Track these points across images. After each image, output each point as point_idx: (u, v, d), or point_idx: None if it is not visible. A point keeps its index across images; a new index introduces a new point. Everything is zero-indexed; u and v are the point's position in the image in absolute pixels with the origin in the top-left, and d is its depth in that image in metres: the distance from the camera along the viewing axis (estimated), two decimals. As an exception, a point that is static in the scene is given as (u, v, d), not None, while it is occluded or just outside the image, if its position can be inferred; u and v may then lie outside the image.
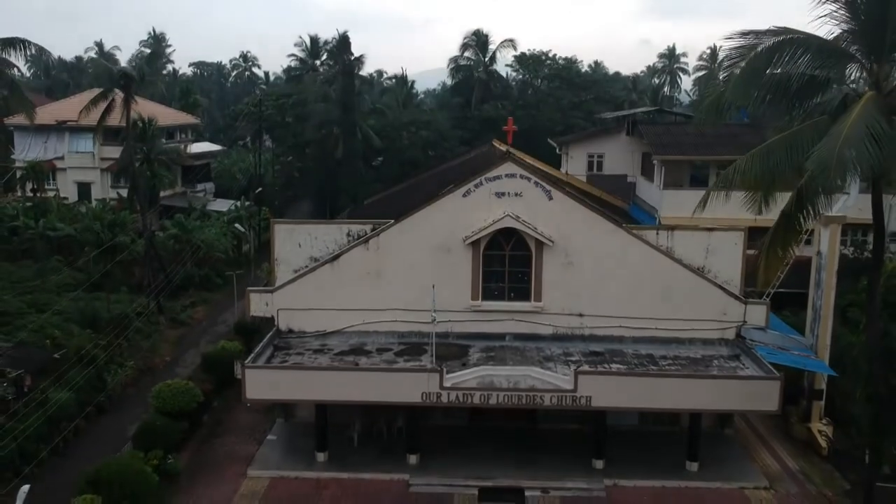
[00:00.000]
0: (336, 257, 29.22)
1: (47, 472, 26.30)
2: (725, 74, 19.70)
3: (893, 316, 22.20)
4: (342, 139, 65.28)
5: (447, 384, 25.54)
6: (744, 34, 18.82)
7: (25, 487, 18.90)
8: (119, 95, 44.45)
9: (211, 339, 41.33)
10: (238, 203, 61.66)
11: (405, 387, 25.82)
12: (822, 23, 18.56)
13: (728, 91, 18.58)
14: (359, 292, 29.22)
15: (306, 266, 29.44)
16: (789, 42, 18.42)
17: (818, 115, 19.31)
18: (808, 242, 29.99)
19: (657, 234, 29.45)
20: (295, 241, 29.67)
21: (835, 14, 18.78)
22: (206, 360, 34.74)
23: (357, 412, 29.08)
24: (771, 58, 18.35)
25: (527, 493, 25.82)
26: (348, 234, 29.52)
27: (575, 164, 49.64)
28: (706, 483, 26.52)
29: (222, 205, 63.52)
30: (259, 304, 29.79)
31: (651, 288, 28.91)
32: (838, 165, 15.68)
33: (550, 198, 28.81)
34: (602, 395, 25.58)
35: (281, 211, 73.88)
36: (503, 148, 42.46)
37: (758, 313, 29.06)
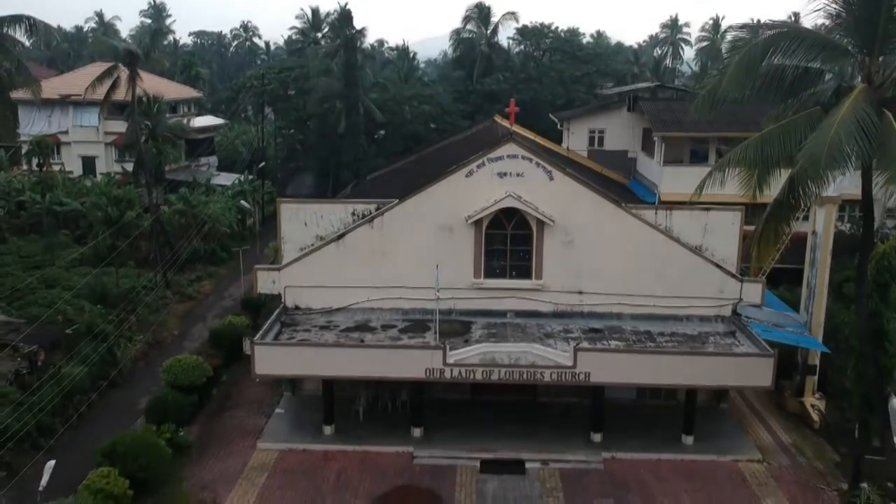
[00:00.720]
0: (341, 236, 29.81)
1: (62, 445, 27.13)
2: (725, 65, 20.15)
3: (884, 297, 22.83)
4: (344, 113, 65.51)
5: (450, 360, 26.30)
6: (741, 27, 19.31)
7: (51, 462, 19.73)
8: (124, 72, 44.82)
9: (218, 314, 42.10)
10: (242, 177, 62.11)
11: (409, 363, 26.60)
12: (818, 16, 19.04)
13: (724, 82, 19.09)
14: (364, 270, 29.85)
15: (312, 244, 30.05)
16: (784, 35, 18.89)
17: (812, 106, 19.80)
18: (806, 218, 30.60)
19: (656, 213, 29.95)
20: (301, 219, 30.24)
21: (828, 8, 19.26)
22: (214, 334, 35.49)
23: (363, 387, 29.94)
24: (766, 50, 18.83)
25: (527, 465, 26.70)
26: (353, 214, 30.08)
27: (576, 140, 50.02)
28: (701, 456, 27.37)
29: (226, 179, 64.02)
30: (266, 282, 30.45)
31: (649, 266, 29.51)
32: (828, 159, 16.25)
33: (551, 178, 29.33)
34: (601, 371, 26.35)
35: (283, 184, 74.38)
36: (505, 124, 42.95)
37: (754, 291, 29.66)
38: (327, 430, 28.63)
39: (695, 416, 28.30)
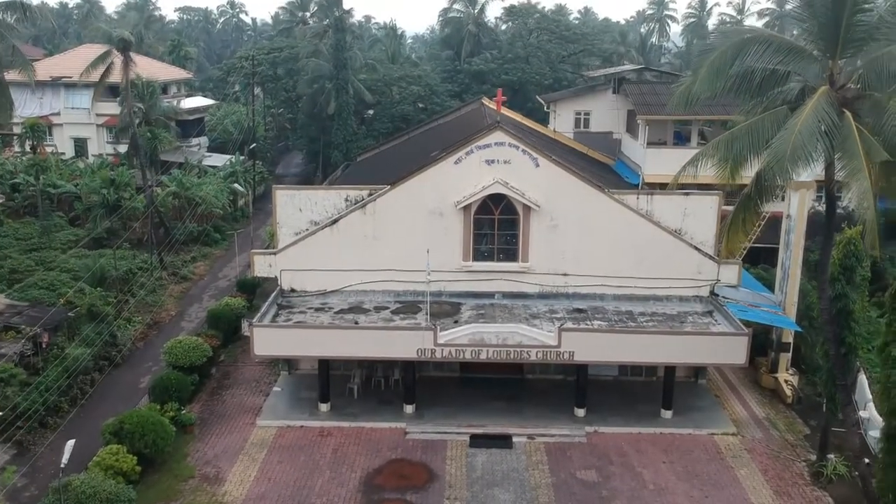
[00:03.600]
0: (335, 221, 30.84)
1: (68, 424, 28.29)
2: (697, 66, 21.30)
3: (850, 279, 24.15)
4: (334, 95, 66.15)
5: (441, 341, 27.57)
6: (711, 32, 20.47)
7: (71, 441, 20.91)
8: (118, 56, 45.41)
9: (213, 294, 43.16)
10: (233, 158, 62.73)
11: (402, 343, 27.84)
12: (787, 22, 20.18)
13: (697, 83, 20.27)
14: (357, 254, 30.95)
15: (307, 229, 31.05)
16: (753, 40, 20.06)
17: (779, 104, 21.03)
18: (783, 198, 31.84)
19: (638, 197, 31.13)
20: (296, 205, 31.21)
21: (795, 13, 20.39)
22: (212, 315, 36.46)
23: (357, 366, 31.20)
24: (736, 54, 20.01)
25: (514, 440, 28.06)
26: (346, 199, 31.08)
27: (562, 122, 50.91)
28: (679, 430, 28.83)
29: (218, 160, 64.55)
30: (263, 265, 31.51)
31: (631, 249, 30.69)
32: (792, 157, 17.50)
33: (537, 165, 30.43)
34: (584, 350, 27.73)
35: (273, 163, 75.06)
36: (492, 106, 43.90)
37: (730, 272, 30.95)
38: (323, 407, 29.88)
39: (673, 391, 29.70)
